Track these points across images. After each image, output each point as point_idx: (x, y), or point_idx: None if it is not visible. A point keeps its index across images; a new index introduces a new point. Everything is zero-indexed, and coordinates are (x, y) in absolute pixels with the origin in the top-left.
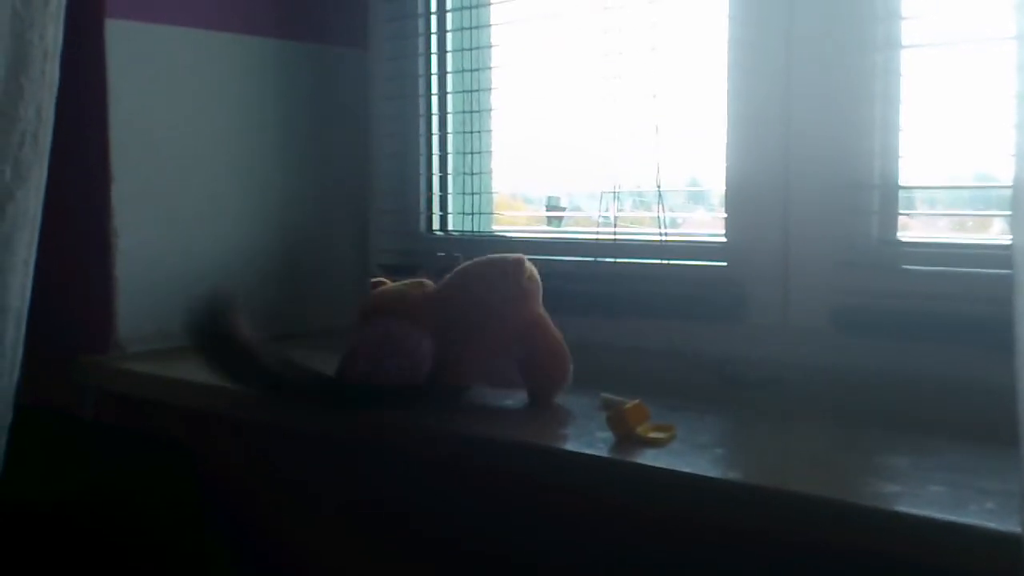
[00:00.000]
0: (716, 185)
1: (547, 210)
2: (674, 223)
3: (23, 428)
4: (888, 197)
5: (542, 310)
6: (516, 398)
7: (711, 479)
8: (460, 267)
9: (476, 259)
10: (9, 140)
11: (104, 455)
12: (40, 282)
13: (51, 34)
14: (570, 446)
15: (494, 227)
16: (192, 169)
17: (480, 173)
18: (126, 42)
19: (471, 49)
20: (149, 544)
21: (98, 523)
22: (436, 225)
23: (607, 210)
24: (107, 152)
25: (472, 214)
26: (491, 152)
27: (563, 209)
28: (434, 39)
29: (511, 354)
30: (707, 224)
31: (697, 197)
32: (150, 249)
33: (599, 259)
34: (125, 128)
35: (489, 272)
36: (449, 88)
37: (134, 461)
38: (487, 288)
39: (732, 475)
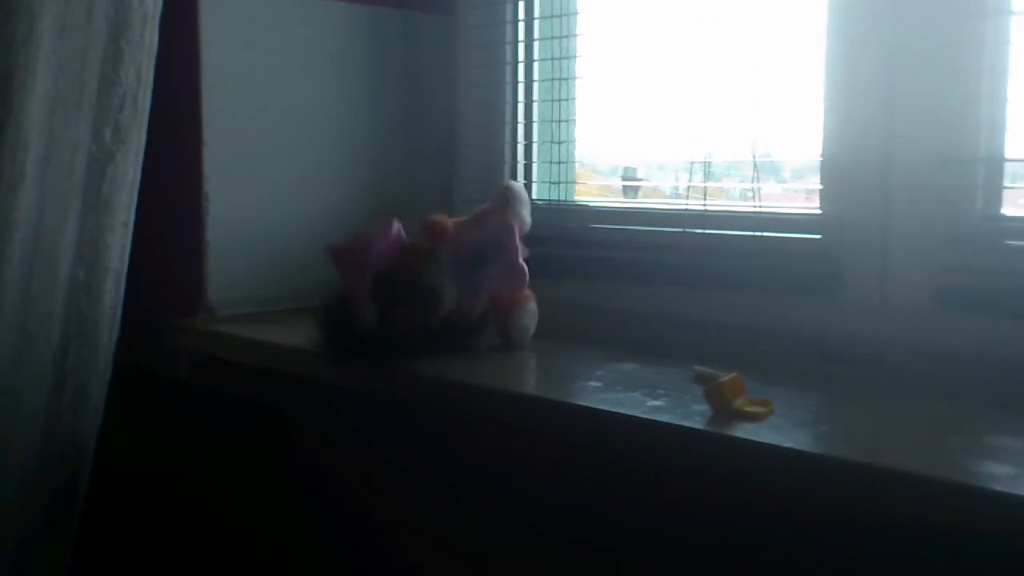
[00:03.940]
0: (789, 156)
1: (623, 180)
2: (744, 195)
3: (119, 388)
4: (993, 171)
5: None
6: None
7: (815, 455)
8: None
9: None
10: (110, 103)
11: (195, 417)
12: (134, 245)
13: None
14: (665, 418)
15: (576, 197)
16: (282, 135)
17: (565, 142)
18: (219, 7)
19: (559, 16)
20: (240, 508)
21: (189, 485)
22: None
23: (693, 180)
24: (199, 117)
25: (558, 183)
26: (575, 121)
27: (640, 179)
28: (521, 5)
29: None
30: (777, 197)
31: (767, 169)
32: (240, 214)
33: (688, 230)
34: (217, 93)
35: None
36: (536, 55)
37: (224, 424)
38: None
39: (838, 452)
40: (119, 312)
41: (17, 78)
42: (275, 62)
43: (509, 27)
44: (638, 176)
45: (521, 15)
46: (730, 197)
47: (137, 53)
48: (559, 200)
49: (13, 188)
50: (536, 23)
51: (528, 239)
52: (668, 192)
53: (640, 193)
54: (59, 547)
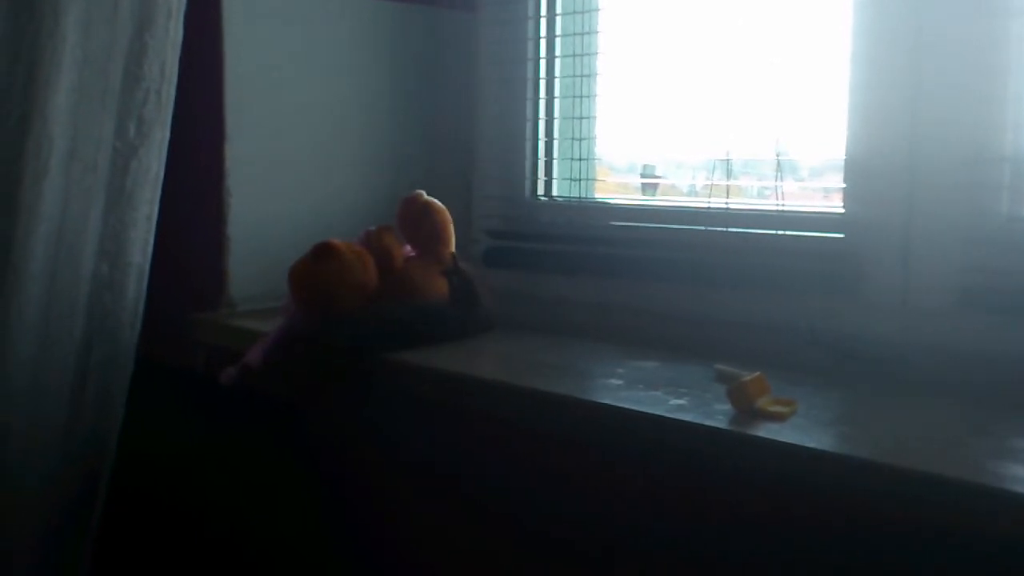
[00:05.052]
0: (807, 155)
1: (642, 178)
2: (761, 193)
3: (139, 381)
4: (1019, 171)
5: None
6: None
7: (838, 455)
8: None
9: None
10: (133, 98)
11: (213, 412)
12: (156, 239)
13: None
14: (688, 417)
15: (597, 194)
16: (304, 130)
17: (585, 139)
18: (242, 2)
19: (580, 12)
20: (256, 503)
21: (206, 480)
22: (540, 191)
23: (710, 179)
24: (222, 112)
25: (579, 180)
26: (595, 118)
27: (658, 177)
28: (543, 2)
29: None
30: (794, 195)
31: (786, 167)
32: (261, 209)
33: (710, 228)
34: (239, 89)
35: None
36: (557, 52)
37: (242, 419)
38: None
39: (862, 453)
40: (142, 307)
41: (42, 73)
42: (297, 58)
43: (531, 23)
44: (656, 173)
45: (543, 11)
46: (747, 195)
47: (161, 48)
48: (580, 197)
49: (37, 182)
50: (558, 19)
51: (548, 236)
52: (685, 190)
53: (658, 191)
54: (80, 541)
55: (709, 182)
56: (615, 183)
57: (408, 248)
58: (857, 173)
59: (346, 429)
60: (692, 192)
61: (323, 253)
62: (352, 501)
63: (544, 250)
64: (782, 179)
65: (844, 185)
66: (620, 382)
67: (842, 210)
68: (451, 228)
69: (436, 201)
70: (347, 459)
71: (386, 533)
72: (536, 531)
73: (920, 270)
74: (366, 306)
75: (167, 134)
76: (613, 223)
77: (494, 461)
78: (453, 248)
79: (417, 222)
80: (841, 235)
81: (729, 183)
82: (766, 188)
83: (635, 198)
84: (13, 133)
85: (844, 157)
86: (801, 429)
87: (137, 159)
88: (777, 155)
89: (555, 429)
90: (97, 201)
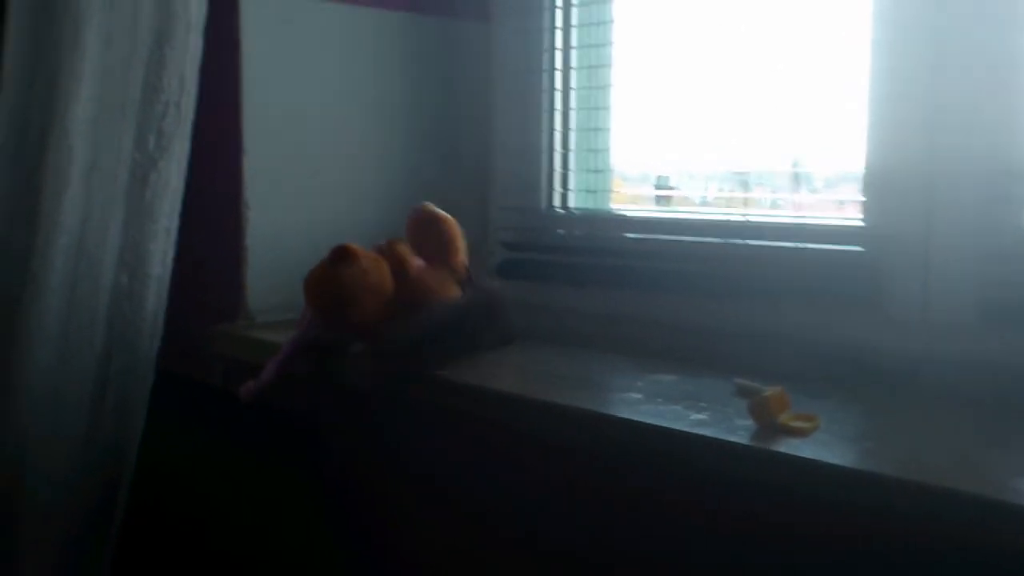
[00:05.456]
0: (821, 167)
1: (656, 189)
2: (775, 204)
3: (157, 393)
4: None
5: None
6: None
7: (864, 472)
8: None
9: None
10: (153, 110)
11: (230, 425)
12: (174, 250)
13: (195, 6)
14: (710, 432)
15: (611, 205)
16: (321, 141)
17: (601, 150)
18: (260, 15)
19: (596, 24)
20: (274, 513)
21: (221, 492)
22: (557, 202)
23: (722, 190)
24: (240, 124)
25: (595, 192)
26: (610, 129)
27: (672, 188)
28: (559, 14)
29: None
30: (811, 206)
31: (798, 178)
32: (279, 220)
33: (729, 240)
34: (257, 101)
35: None
36: (574, 64)
37: (259, 432)
38: None
39: (887, 470)
40: (161, 318)
41: (63, 84)
42: (314, 70)
43: (547, 35)
44: (670, 184)
45: (559, 23)
46: (760, 207)
47: (180, 60)
48: (596, 209)
49: (58, 193)
50: (574, 31)
51: (564, 248)
52: (697, 201)
53: (671, 202)
54: (100, 550)
55: (722, 193)
56: (629, 194)
57: (420, 261)
58: (877, 186)
59: (363, 442)
60: (703, 203)
61: (340, 256)
62: (368, 515)
63: (561, 262)
64: (794, 191)
65: (864, 198)
66: (639, 396)
67: (862, 223)
68: (460, 239)
69: (443, 212)
70: (364, 472)
71: (404, 546)
72: (561, 548)
73: (940, 283)
74: (414, 314)
75: (187, 147)
76: (630, 235)
77: (512, 474)
78: (465, 259)
79: (425, 233)
80: (860, 248)
81: (747, 195)
82: (779, 199)
83: (650, 209)
84: (34, 144)
85: (864, 170)
86: (824, 445)
87: (157, 171)
88: (795, 167)
89: (575, 443)
90: (117, 213)
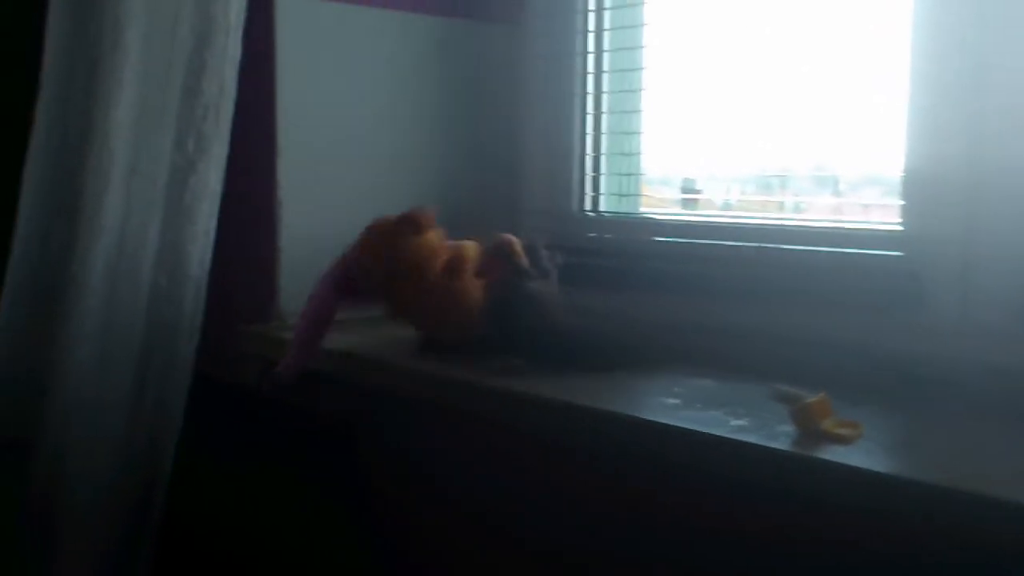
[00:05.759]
0: (844, 170)
1: (682, 192)
2: (798, 208)
3: (191, 393)
4: None
5: None
6: None
7: (912, 480)
8: None
9: None
10: (193, 113)
11: (263, 426)
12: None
13: (235, 9)
14: (752, 438)
15: (642, 209)
16: (352, 146)
17: (632, 154)
18: (295, 19)
19: (628, 27)
20: (304, 515)
21: (256, 491)
22: (588, 206)
23: (745, 192)
24: (274, 126)
25: (627, 195)
26: (641, 133)
27: (698, 192)
28: (591, 16)
29: None
30: (835, 209)
31: (822, 182)
32: (312, 221)
33: (763, 244)
34: (292, 103)
35: None
36: (606, 67)
37: (291, 432)
38: None
39: (932, 478)
40: (199, 320)
41: (103, 88)
42: (347, 73)
43: (579, 38)
44: (696, 187)
45: (591, 26)
46: (784, 210)
47: (219, 64)
48: (627, 212)
49: (99, 195)
50: (607, 34)
51: (594, 252)
52: (720, 204)
53: (697, 204)
54: (141, 547)
55: (745, 196)
56: (658, 197)
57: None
58: (916, 190)
59: (396, 444)
60: (727, 206)
61: (420, 223)
62: (400, 519)
63: (592, 265)
64: (822, 194)
65: (902, 202)
66: (677, 401)
67: (901, 227)
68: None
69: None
70: (396, 474)
71: (436, 553)
72: (593, 555)
73: (980, 288)
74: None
75: (225, 150)
76: (660, 238)
77: (549, 484)
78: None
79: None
80: (900, 253)
81: (771, 199)
82: (803, 202)
83: (679, 212)
84: (75, 146)
85: (903, 173)
86: (869, 452)
87: (196, 174)
88: (817, 170)
89: (614, 450)
90: (156, 214)
